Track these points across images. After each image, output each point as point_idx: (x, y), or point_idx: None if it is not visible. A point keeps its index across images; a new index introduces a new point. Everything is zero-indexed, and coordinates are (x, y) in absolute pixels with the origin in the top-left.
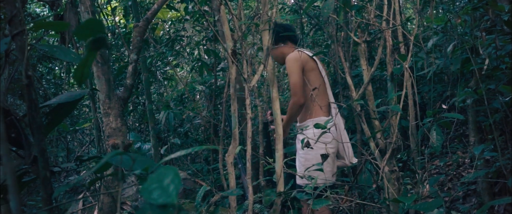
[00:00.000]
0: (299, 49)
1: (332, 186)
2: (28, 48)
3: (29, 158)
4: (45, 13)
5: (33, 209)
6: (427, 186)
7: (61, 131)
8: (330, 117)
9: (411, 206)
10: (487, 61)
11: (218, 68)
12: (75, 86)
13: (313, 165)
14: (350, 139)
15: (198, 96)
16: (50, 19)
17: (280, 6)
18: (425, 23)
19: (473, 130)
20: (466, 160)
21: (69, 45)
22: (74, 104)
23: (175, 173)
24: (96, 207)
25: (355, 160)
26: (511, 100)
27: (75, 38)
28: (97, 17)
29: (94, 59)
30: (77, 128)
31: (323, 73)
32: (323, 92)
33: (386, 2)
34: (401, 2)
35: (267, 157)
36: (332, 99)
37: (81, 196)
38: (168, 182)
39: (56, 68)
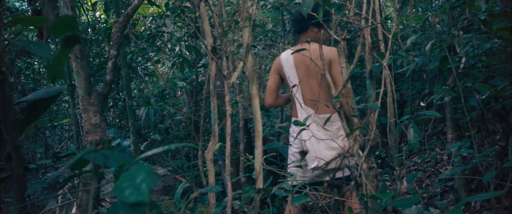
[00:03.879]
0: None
1: (314, 183)
2: (6, 43)
3: (3, 155)
4: (24, 7)
5: (10, 206)
6: (405, 182)
7: (40, 127)
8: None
9: (389, 202)
10: (464, 60)
11: (199, 65)
12: (55, 81)
13: (293, 161)
14: None
15: (179, 92)
16: (29, 13)
17: (261, 3)
18: (404, 22)
19: (450, 127)
20: (444, 157)
21: (49, 40)
22: (52, 100)
23: (148, 170)
24: (75, 203)
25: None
26: (487, 98)
27: None
28: (77, 12)
29: (67, 56)
30: (55, 124)
31: (294, 73)
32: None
33: (365, 1)
34: (381, 0)
35: (247, 154)
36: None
37: (59, 193)
38: (141, 180)
39: (35, 63)
